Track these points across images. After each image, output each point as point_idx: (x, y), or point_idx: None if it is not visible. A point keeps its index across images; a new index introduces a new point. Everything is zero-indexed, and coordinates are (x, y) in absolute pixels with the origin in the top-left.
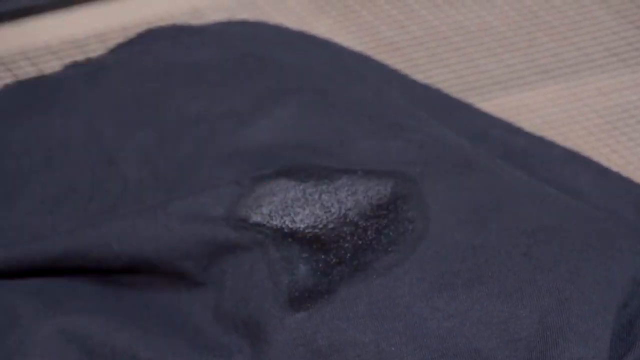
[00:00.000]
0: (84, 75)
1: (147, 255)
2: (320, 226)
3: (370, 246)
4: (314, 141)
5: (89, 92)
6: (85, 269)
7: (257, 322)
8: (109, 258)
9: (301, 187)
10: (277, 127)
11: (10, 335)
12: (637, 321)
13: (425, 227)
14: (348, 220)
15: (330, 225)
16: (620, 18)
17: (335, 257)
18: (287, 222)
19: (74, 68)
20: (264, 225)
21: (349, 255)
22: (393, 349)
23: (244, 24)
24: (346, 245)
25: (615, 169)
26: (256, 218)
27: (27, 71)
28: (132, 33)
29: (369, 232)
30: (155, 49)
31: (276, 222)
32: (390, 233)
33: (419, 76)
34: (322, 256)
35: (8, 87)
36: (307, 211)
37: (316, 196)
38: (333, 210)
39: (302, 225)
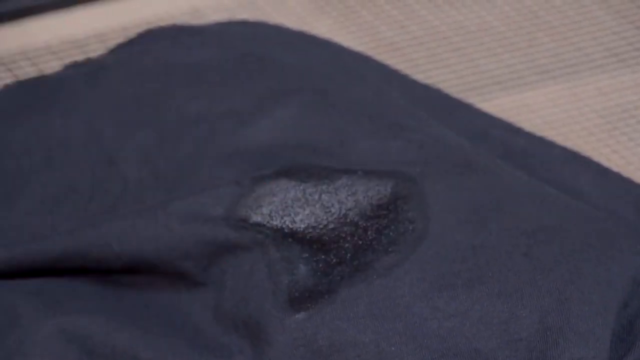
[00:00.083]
0: (84, 76)
1: (147, 255)
2: (321, 226)
3: (371, 246)
4: (314, 141)
5: (89, 92)
6: (86, 269)
7: (257, 323)
8: (109, 258)
9: (301, 187)
10: (277, 127)
11: (10, 335)
12: (638, 321)
13: (425, 227)
14: (348, 220)
15: (331, 226)
16: (621, 18)
17: (335, 257)
18: (287, 222)
19: (74, 68)
20: (264, 225)
21: (349, 255)
22: (393, 349)
23: (244, 24)
24: (346, 245)
25: (615, 169)
26: (256, 218)
27: (27, 71)
28: (132, 33)
29: (369, 232)
30: (155, 49)
31: (276, 222)
32: (391, 233)
33: (419, 76)
34: (323, 256)
35: (8, 87)
36: (307, 211)
37: (316, 196)
38: (333, 210)
39: (303, 226)
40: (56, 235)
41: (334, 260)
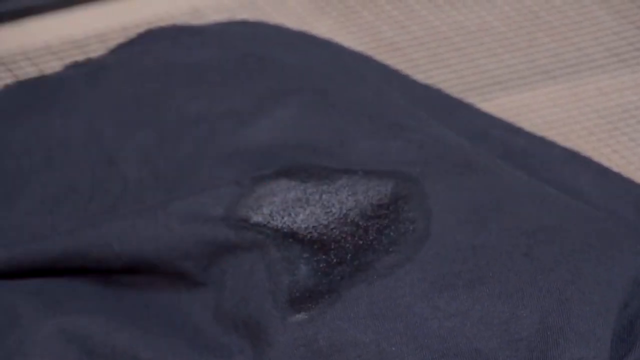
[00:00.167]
0: (84, 76)
1: (147, 255)
2: (321, 226)
3: (371, 246)
4: (314, 141)
5: (89, 92)
6: (86, 269)
7: (257, 323)
8: (109, 258)
9: (302, 187)
10: (277, 127)
11: (11, 335)
12: (638, 321)
13: (426, 228)
14: (349, 220)
15: (331, 226)
16: (621, 18)
17: (336, 258)
18: (287, 223)
19: (75, 68)
20: (264, 225)
21: (349, 255)
22: (394, 349)
23: (244, 24)
24: (347, 245)
25: (616, 169)
26: (257, 218)
27: (28, 71)
28: (132, 33)
29: (369, 233)
30: (155, 49)
31: (277, 223)
32: (391, 233)
33: (420, 76)
34: (323, 256)
35: (8, 87)
36: (307, 211)
37: (317, 196)
38: (334, 210)
39: (303, 226)
40: (56, 235)
41: (335, 261)
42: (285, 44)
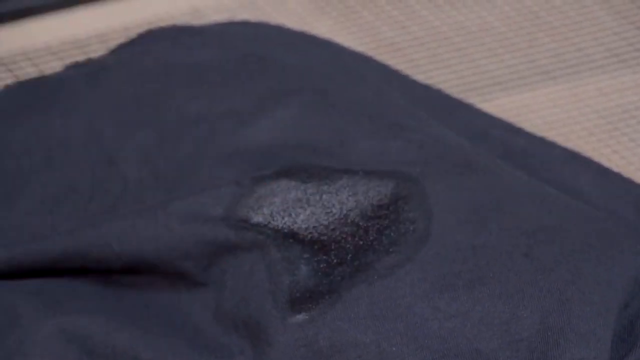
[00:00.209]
0: (85, 76)
1: (147, 255)
2: (322, 227)
3: (372, 247)
4: (314, 141)
5: (90, 93)
6: (86, 269)
7: (257, 323)
8: (109, 258)
9: (302, 187)
10: (277, 128)
11: (11, 335)
12: (638, 322)
13: (426, 228)
14: (349, 220)
15: (332, 226)
16: (621, 19)
17: (336, 258)
18: (288, 223)
19: (75, 68)
20: (265, 225)
21: (350, 256)
22: (394, 349)
23: (244, 25)
24: (347, 246)
25: (616, 169)
26: (257, 218)
27: (28, 72)
28: (133, 33)
29: (370, 233)
30: (156, 50)
31: (277, 223)
32: (392, 234)
33: (420, 77)
34: (324, 257)
35: (9, 88)
36: (308, 212)
37: (317, 197)
38: (334, 210)
39: (304, 226)
40: (56, 235)
41: (335, 261)
42: (286, 44)
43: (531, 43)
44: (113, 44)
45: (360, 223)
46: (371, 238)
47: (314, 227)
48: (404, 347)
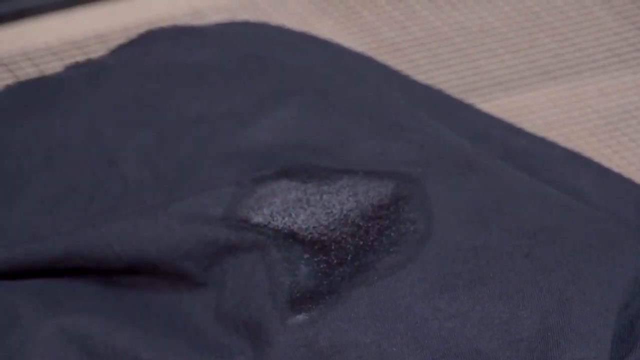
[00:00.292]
0: (85, 76)
1: (148, 256)
2: (322, 227)
3: (372, 247)
4: (314, 142)
5: (90, 93)
6: (86, 270)
7: (258, 323)
8: (110, 258)
9: (302, 188)
10: (277, 128)
11: (11, 336)
12: (639, 322)
13: (426, 228)
14: (349, 221)
15: (332, 226)
16: (622, 19)
17: (336, 258)
18: (288, 223)
19: (75, 69)
20: (265, 226)
21: (350, 256)
22: (394, 349)
23: (245, 25)
24: (348, 246)
25: (616, 170)
26: (257, 219)
27: (28, 72)
28: (133, 34)
29: (370, 233)
30: (156, 50)
31: (277, 223)
32: (392, 234)
33: (420, 77)
34: (324, 257)
35: (9, 88)
36: (308, 212)
37: (317, 197)
38: (334, 211)
39: (304, 226)
40: (56, 236)
41: (335, 261)
42: (286, 45)
43: (532, 43)
44: (113, 44)
45: (361, 223)
46: (371, 238)
47: (314, 227)
48: (404, 347)
